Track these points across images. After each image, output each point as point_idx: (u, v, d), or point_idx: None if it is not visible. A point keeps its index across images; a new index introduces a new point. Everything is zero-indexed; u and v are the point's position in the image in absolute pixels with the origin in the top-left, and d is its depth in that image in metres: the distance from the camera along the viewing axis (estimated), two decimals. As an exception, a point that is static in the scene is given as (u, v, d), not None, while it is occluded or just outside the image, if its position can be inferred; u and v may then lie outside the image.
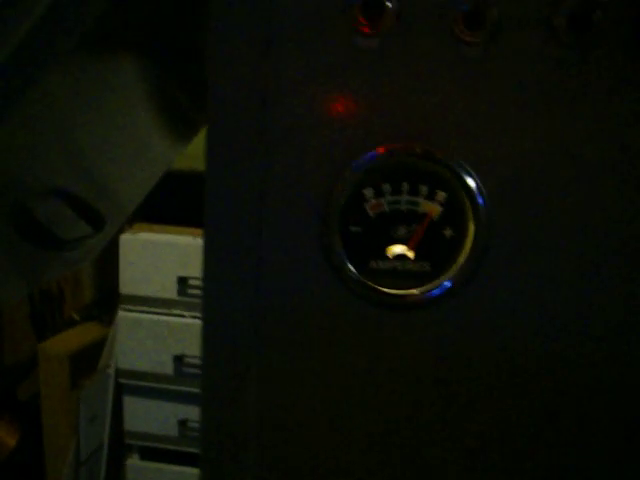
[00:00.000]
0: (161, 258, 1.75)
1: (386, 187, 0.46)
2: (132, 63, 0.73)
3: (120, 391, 1.88)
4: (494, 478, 0.49)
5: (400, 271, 0.47)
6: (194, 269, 1.70)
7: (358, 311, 0.47)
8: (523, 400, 0.48)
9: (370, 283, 0.47)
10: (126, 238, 1.76)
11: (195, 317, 1.72)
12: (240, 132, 0.46)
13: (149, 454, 1.91)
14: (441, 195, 0.46)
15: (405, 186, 0.46)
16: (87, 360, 1.91)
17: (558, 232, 0.46)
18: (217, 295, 0.48)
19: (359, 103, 0.46)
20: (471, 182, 0.46)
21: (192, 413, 1.80)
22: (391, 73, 0.45)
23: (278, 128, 0.46)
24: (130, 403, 1.89)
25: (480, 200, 0.46)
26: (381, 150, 0.46)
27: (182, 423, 1.82)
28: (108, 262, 1.85)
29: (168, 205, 1.68)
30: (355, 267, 0.47)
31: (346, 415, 0.49)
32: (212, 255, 0.48)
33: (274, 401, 0.49)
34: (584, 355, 0.48)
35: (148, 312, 1.81)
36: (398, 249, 0.46)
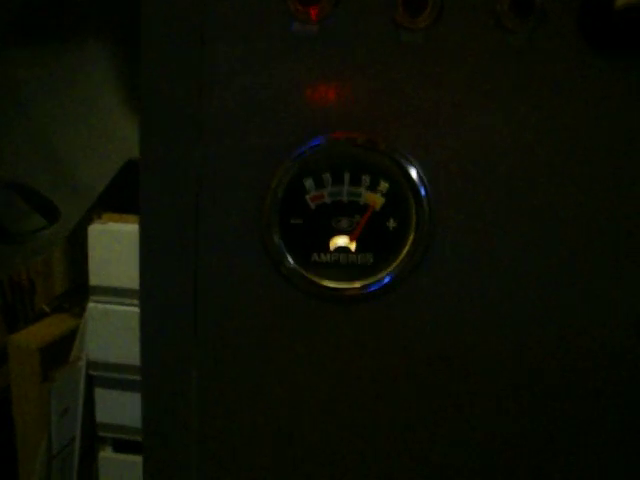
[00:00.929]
0: (131, 248, 1.71)
1: (327, 177, 0.45)
2: (95, 46, 0.71)
3: (92, 383, 1.85)
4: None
5: (343, 264, 0.46)
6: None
7: (299, 305, 0.46)
8: (466, 395, 0.47)
9: (310, 276, 0.46)
10: (95, 228, 1.74)
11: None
12: (175, 121, 0.45)
13: (122, 446, 1.89)
14: (384, 185, 0.45)
15: (347, 176, 0.45)
16: (58, 352, 1.88)
17: (502, 223, 0.45)
18: (153, 290, 0.47)
19: (297, 91, 0.44)
20: (413, 172, 0.44)
21: (164, 404, 1.77)
22: (331, 60, 0.44)
23: (214, 117, 0.44)
24: (102, 395, 1.87)
25: (422, 190, 0.44)
26: (322, 140, 0.44)
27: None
28: (79, 253, 1.83)
29: (136, 195, 1.65)
30: (296, 260, 0.46)
31: (290, 412, 0.48)
32: (147, 248, 0.46)
33: (215, 401, 0.48)
34: (527, 346, 0.47)
35: (119, 303, 1.78)
36: (340, 241, 0.45)
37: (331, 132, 0.44)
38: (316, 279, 0.46)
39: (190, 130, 0.44)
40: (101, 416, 1.86)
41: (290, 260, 0.45)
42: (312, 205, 0.45)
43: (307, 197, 0.45)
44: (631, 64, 0.43)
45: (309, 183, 0.45)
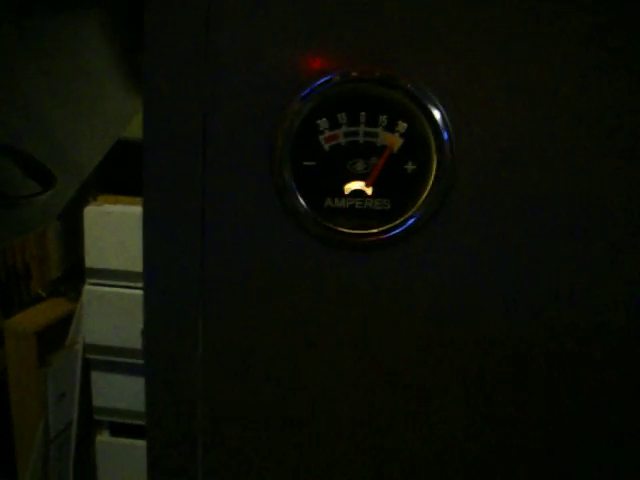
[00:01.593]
0: (126, 230, 1.71)
1: (342, 117, 0.42)
2: (87, 17, 0.69)
3: (88, 367, 1.84)
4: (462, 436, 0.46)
5: (358, 209, 0.43)
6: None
7: (314, 253, 0.44)
8: (492, 347, 0.45)
9: (325, 222, 0.43)
10: (90, 210, 1.72)
11: (164, 290, 1.68)
12: (181, 56, 0.42)
13: (119, 430, 1.88)
14: (402, 126, 0.42)
15: (363, 116, 0.42)
16: (54, 336, 1.87)
17: (526, 170, 0.43)
18: (159, 240, 0.44)
19: (313, 24, 0.41)
20: (436, 113, 0.42)
21: (162, 387, 1.76)
22: None
23: (221, 50, 0.42)
24: (99, 379, 1.86)
25: (445, 134, 0.42)
26: (335, 74, 0.42)
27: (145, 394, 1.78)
28: (74, 236, 1.80)
29: (132, 176, 1.63)
30: (309, 205, 0.43)
31: (305, 369, 0.46)
32: (152, 196, 0.44)
33: (222, 351, 0.46)
34: (548, 298, 0.45)
35: (115, 286, 1.76)
36: (355, 185, 0.43)
37: (346, 67, 0.42)
38: (330, 225, 0.43)
39: (195, 64, 0.42)
40: (98, 400, 1.84)
41: (304, 204, 0.43)
42: (326, 146, 0.42)
43: (321, 138, 0.42)
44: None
45: (323, 123, 0.42)
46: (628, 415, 0.45)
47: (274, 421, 0.47)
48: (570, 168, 0.43)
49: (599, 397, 0.45)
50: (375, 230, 0.43)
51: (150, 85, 0.42)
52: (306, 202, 0.43)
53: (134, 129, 0.89)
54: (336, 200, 0.43)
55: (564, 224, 0.43)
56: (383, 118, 0.42)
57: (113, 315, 1.76)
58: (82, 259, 1.77)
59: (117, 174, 1.57)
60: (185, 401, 0.47)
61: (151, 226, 0.45)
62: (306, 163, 0.43)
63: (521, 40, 0.41)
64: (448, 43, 0.42)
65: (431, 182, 0.43)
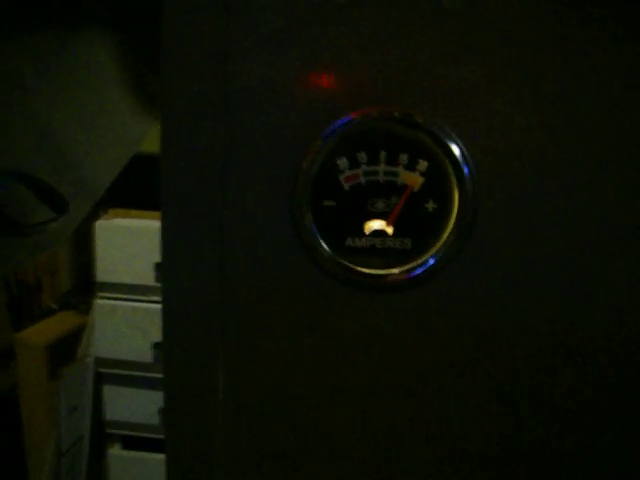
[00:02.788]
0: (137, 244, 1.71)
1: (362, 156, 0.42)
2: (99, 38, 0.69)
3: (100, 380, 1.84)
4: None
5: (379, 249, 0.43)
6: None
7: (333, 293, 0.43)
8: (513, 383, 0.44)
9: (345, 262, 0.43)
10: (101, 224, 1.72)
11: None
12: (198, 95, 0.42)
13: (131, 443, 1.88)
14: (423, 164, 0.42)
15: (383, 155, 0.42)
16: (65, 350, 1.87)
17: (550, 205, 0.42)
18: (178, 277, 0.44)
19: (331, 63, 0.41)
20: (455, 149, 0.41)
21: (173, 401, 1.76)
22: (365, 29, 0.41)
23: (241, 91, 0.41)
24: (110, 392, 1.86)
25: (466, 169, 0.41)
26: (356, 115, 0.41)
27: (163, 411, 1.77)
28: (85, 249, 1.81)
29: (143, 190, 1.64)
30: (329, 245, 0.43)
31: (321, 407, 0.45)
32: (171, 233, 0.43)
33: (242, 389, 0.45)
34: (573, 334, 0.44)
35: (125, 299, 1.77)
36: (376, 224, 0.42)
37: (366, 107, 0.41)
38: (351, 265, 0.43)
39: (214, 105, 0.41)
40: (110, 413, 1.84)
41: (324, 245, 0.42)
42: (346, 186, 0.42)
43: (341, 177, 0.42)
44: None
45: (343, 162, 0.42)
46: None
47: (292, 461, 0.46)
48: (595, 198, 0.42)
49: None
50: (396, 270, 0.43)
51: (167, 123, 0.42)
52: (326, 242, 0.43)
53: (145, 143, 0.89)
54: (356, 240, 0.43)
55: (590, 257, 0.43)
56: (403, 157, 0.42)
57: (124, 328, 1.76)
58: (93, 273, 1.77)
59: (128, 188, 1.57)
60: (204, 435, 0.46)
61: (170, 265, 0.44)
62: (326, 203, 0.42)
63: (538, 69, 0.41)
64: (465, 81, 0.41)
65: (453, 220, 0.42)
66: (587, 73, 0.41)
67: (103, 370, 1.82)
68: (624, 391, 0.44)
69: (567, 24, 0.40)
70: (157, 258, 1.68)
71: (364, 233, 0.42)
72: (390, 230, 0.42)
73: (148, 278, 1.72)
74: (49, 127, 0.71)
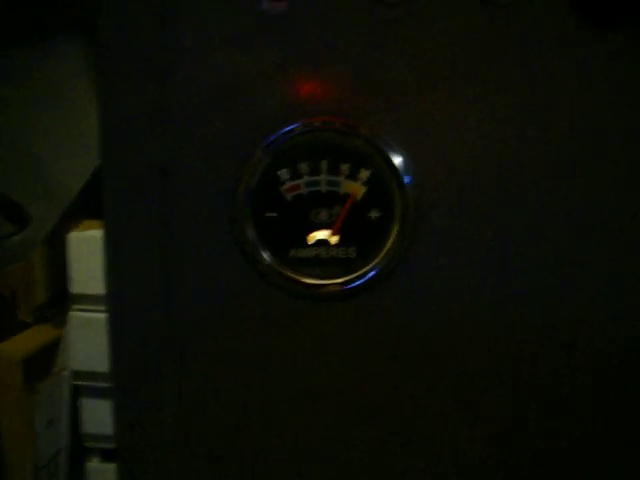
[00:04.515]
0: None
1: (303, 167, 0.42)
2: (68, 45, 0.69)
3: (77, 393, 1.82)
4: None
5: (324, 259, 0.43)
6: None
7: (278, 304, 0.43)
8: (456, 391, 0.44)
9: (288, 273, 0.43)
10: (74, 236, 1.70)
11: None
12: (136, 109, 0.41)
13: (110, 456, 1.86)
14: (364, 173, 0.42)
15: (324, 165, 0.42)
16: (42, 363, 1.85)
17: (490, 211, 0.42)
18: (121, 293, 0.43)
19: (268, 75, 0.41)
20: (396, 158, 0.41)
21: (151, 412, 1.74)
22: (303, 39, 0.41)
23: (179, 104, 0.41)
24: (88, 405, 1.83)
25: (407, 178, 0.42)
26: (296, 125, 0.41)
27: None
28: (60, 262, 1.79)
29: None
30: (273, 257, 0.43)
31: (270, 415, 0.45)
32: (114, 248, 0.43)
33: (192, 404, 0.45)
34: (515, 338, 0.44)
35: (101, 311, 1.74)
36: (320, 234, 0.42)
37: (306, 117, 0.41)
38: (295, 276, 0.42)
39: (153, 120, 0.41)
40: (88, 426, 1.82)
41: (266, 256, 0.42)
42: (288, 197, 0.42)
43: (282, 188, 0.42)
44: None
45: (284, 173, 0.42)
46: None
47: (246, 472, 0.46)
48: (537, 203, 0.42)
49: None
50: (339, 280, 0.43)
51: (106, 139, 0.42)
52: (270, 253, 0.42)
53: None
54: (300, 250, 0.43)
55: (535, 263, 0.43)
56: (345, 167, 0.42)
57: (100, 340, 1.74)
58: (67, 285, 1.76)
59: (100, 199, 1.57)
60: (157, 432, 0.46)
61: (116, 276, 0.44)
62: (268, 214, 0.42)
63: (474, 79, 0.41)
64: (406, 89, 0.41)
65: (396, 228, 0.42)
66: (530, 71, 0.41)
67: (80, 383, 1.80)
68: (583, 392, 0.45)
69: (502, 24, 0.41)
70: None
71: (308, 243, 0.42)
72: (334, 240, 0.42)
73: (123, 289, 1.70)
74: (17, 132, 0.71)
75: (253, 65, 0.41)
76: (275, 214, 0.42)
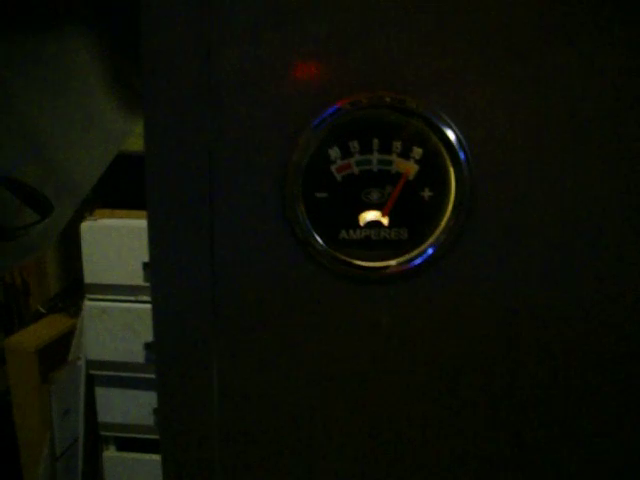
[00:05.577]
0: (125, 244, 1.69)
1: (354, 145, 0.40)
2: (79, 37, 0.68)
3: (92, 382, 1.82)
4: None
5: (374, 240, 0.41)
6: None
7: (329, 287, 0.42)
8: (518, 371, 0.43)
9: (341, 256, 0.41)
10: (87, 225, 1.70)
11: (164, 302, 1.68)
12: (181, 89, 0.40)
13: (126, 444, 1.87)
14: (417, 152, 0.40)
15: (375, 143, 0.40)
16: (56, 353, 1.85)
17: (547, 188, 0.41)
18: (168, 276, 0.42)
19: (317, 49, 0.40)
20: (450, 134, 0.40)
21: (167, 400, 1.75)
22: (351, 12, 0.39)
23: (226, 83, 0.40)
24: (103, 394, 1.84)
25: (462, 154, 0.40)
26: (345, 103, 0.40)
27: (157, 411, 1.77)
28: (72, 252, 1.79)
29: (127, 189, 1.62)
30: (323, 238, 0.41)
31: (318, 400, 0.44)
32: (159, 232, 0.42)
33: (237, 387, 0.44)
34: (574, 317, 0.43)
35: (115, 300, 1.75)
36: (370, 215, 0.41)
37: (356, 94, 0.40)
38: (347, 258, 0.41)
39: (199, 99, 0.40)
40: (103, 415, 1.83)
41: (317, 238, 0.41)
42: (338, 177, 0.40)
43: (332, 168, 0.40)
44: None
45: (334, 152, 0.40)
46: None
47: (289, 454, 0.45)
48: (594, 184, 0.41)
49: None
50: (394, 262, 0.41)
51: (151, 120, 0.40)
52: (320, 235, 0.41)
53: (128, 141, 0.88)
54: (351, 232, 0.41)
55: (587, 245, 0.42)
56: (397, 145, 0.40)
57: (114, 330, 1.74)
58: (81, 274, 1.75)
59: (112, 188, 1.56)
60: (200, 434, 0.45)
61: (159, 259, 0.43)
62: (318, 195, 0.41)
63: (530, 54, 0.40)
64: (457, 63, 0.40)
65: (450, 207, 0.41)
66: (581, 60, 0.40)
67: (95, 372, 1.81)
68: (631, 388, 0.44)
69: (558, 11, 0.39)
70: (145, 257, 1.66)
71: (359, 225, 0.41)
72: (385, 221, 0.41)
73: (137, 278, 1.70)
74: (32, 128, 0.70)
75: (298, 44, 0.39)
76: (325, 194, 0.41)
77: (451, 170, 0.40)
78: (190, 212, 0.41)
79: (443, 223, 0.41)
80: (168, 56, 0.40)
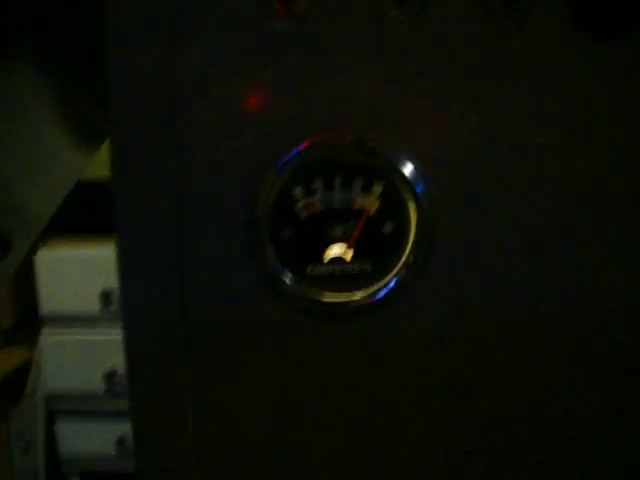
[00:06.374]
0: (80, 273, 1.67)
1: (317, 184, 0.42)
2: (31, 71, 0.68)
3: (52, 416, 1.79)
4: None
5: (339, 275, 0.43)
6: (116, 282, 1.63)
7: (297, 323, 0.43)
8: (486, 401, 0.45)
9: (307, 293, 0.42)
10: (42, 254, 1.67)
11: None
12: (149, 134, 0.41)
13: (89, 478, 1.83)
14: (377, 188, 0.42)
15: (337, 181, 0.42)
16: (13, 387, 1.81)
17: (504, 215, 0.43)
18: (136, 316, 0.43)
19: (279, 93, 0.41)
20: (407, 169, 0.42)
21: (129, 431, 1.73)
22: (311, 58, 0.41)
23: (192, 127, 0.41)
24: (63, 428, 1.80)
25: (419, 187, 0.42)
26: (307, 144, 0.41)
27: (120, 442, 1.74)
28: (25, 282, 1.76)
29: (81, 216, 1.61)
30: (291, 274, 0.42)
31: (289, 435, 0.45)
32: (129, 274, 0.42)
33: (210, 426, 0.45)
34: (536, 339, 0.45)
35: (72, 332, 1.72)
36: (334, 251, 0.42)
37: (316, 135, 0.41)
38: (312, 295, 0.42)
39: (167, 143, 0.41)
40: (65, 449, 1.79)
41: (285, 275, 0.42)
42: (303, 215, 0.42)
43: (297, 206, 0.42)
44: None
45: (298, 192, 0.42)
46: None
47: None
48: (553, 204, 0.43)
49: None
50: (358, 296, 0.43)
51: (118, 160, 0.41)
52: (287, 271, 0.42)
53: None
54: (317, 267, 0.43)
55: (549, 269, 0.44)
56: (357, 182, 0.42)
57: (72, 361, 1.72)
58: (35, 305, 1.73)
59: (64, 215, 1.54)
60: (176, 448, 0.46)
61: (129, 293, 0.43)
62: (284, 233, 0.42)
63: (480, 86, 0.42)
64: (408, 103, 0.42)
65: (411, 239, 0.42)
66: (530, 88, 0.42)
67: (54, 406, 1.77)
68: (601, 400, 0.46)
69: (505, 45, 0.41)
70: (102, 286, 1.65)
71: (324, 260, 0.42)
72: (349, 256, 0.42)
73: (94, 308, 1.68)
74: None
75: (263, 85, 0.41)
76: (292, 232, 0.42)
77: (411, 203, 0.42)
78: (159, 248, 0.42)
79: (405, 255, 0.42)
80: (135, 106, 0.41)
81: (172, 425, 0.45)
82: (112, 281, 1.62)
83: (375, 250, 0.43)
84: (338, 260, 0.42)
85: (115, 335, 1.67)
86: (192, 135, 0.41)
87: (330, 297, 0.43)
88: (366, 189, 0.42)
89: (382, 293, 0.43)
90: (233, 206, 0.42)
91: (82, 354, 1.69)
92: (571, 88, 0.41)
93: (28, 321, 1.92)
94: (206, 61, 0.40)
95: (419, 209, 0.42)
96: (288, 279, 0.42)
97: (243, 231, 0.42)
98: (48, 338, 1.69)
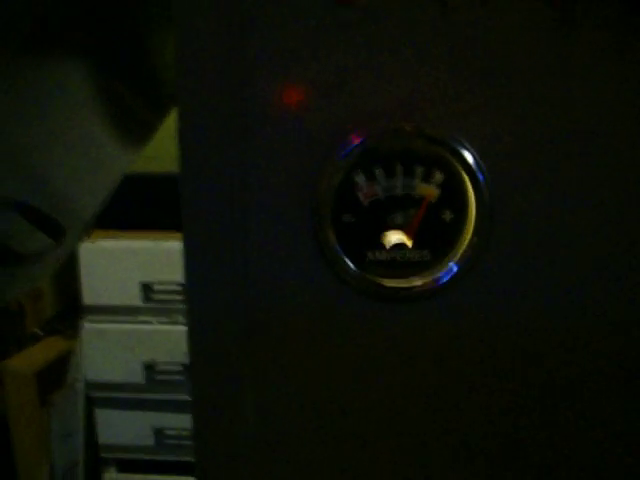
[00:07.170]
0: (122, 265, 1.70)
1: (379, 171, 0.42)
2: (77, 66, 0.69)
3: (91, 404, 1.82)
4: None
5: (399, 261, 0.43)
6: (157, 274, 1.65)
7: (358, 307, 0.44)
8: (538, 385, 0.45)
9: (369, 276, 0.43)
10: (85, 247, 1.70)
11: (162, 323, 1.68)
12: (215, 120, 0.42)
13: (126, 466, 1.86)
14: (438, 176, 0.42)
15: (399, 169, 0.42)
16: (54, 375, 1.85)
17: (564, 204, 0.43)
18: (202, 300, 0.44)
19: (344, 81, 0.42)
20: (469, 158, 0.42)
21: (167, 421, 1.75)
22: (375, 47, 0.41)
23: (257, 114, 0.42)
24: (103, 416, 1.84)
25: (480, 177, 0.42)
26: (369, 132, 0.42)
27: (158, 432, 1.77)
28: (67, 273, 1.79)
29: (125, 210, 1.63)
30: (351, 260, 0.43)
31: (352, 424, 0.46)
32: (193, 257, 0.44)
33: (270, 408, 0.46)
34: (593, 333, 0.45)
35: (113, 321, 1.75)
36: (395, 238, 0.43)
37: (379, 123, 0.42)
38: (374, 278, 0.43)
39: (231, 130, 0.42)
40: (104, 437, 1.83)
41: (347, 261, 0.43)
42: (365, 201, 0.43)
43: (359, 193, 0.42)
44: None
45: (361, 178, 0.42)
46: None
47: (320, 473, 0.47)
48: (613, 204, 0.43)
49: None
50: (419, 281, 0.43)
51: (185, 144, 0.42)
52: (348, 257, 0.43)
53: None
54: (377, 253, 0.43)
55: (606, 262, 0.44)
56: (419, 170, 0.42)
57: (113, 351, 1.75)
58: (77, 296, 1.76)
59: (109, 209, 1.56)
60: (234, 456, 0.47)
61: (195, 281, 0.45)
62: (346, 219, 0.43)
63: (539, 71, 0.42)
64: (470, 90, 0.42)
65: (471, 229, 0.43)
66: (591, 78, 0.42)
67: (94, 394, 1.81)
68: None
69: (566, 35, 0.41)
70: (143, 278, 1.67)
71: (384, 247, 0.43)
72: (409, 242, 0.43)
73: (135, 299, 1.71)
74: (35, 156, 0.71)
75: (328, 73, 0.41)
76: (353, 219, 0.43)
77: (471, 192, 0.42)
78: (225, 237, 0.43)
79: (464, 244, 0.43)
80: (201, 92, 0.42)
81: (233, 414, 0.46)
82: (152, 273, 1.65)
83: (434, 238, 0.43)
84: (399, 246, 0.43)
85: (155, 325, 1.70)
86: (257, 122, 0.42)
87: (392, 282, 0.43)
88: (427, 177, 0.42)
89: (442, 279, 0.43)
90: (298, 193, 0.43)
91: (122, 344, 1.72)
92: (636, 78, 0.42)
93: (69, 311, 1.95)
94: (271, 49, 0.41)
95: (479, 198, 0.42)
96: (350, 264, 0.43)
97: (307, 217, 0.43)
98: (89, 327, 1.73)
